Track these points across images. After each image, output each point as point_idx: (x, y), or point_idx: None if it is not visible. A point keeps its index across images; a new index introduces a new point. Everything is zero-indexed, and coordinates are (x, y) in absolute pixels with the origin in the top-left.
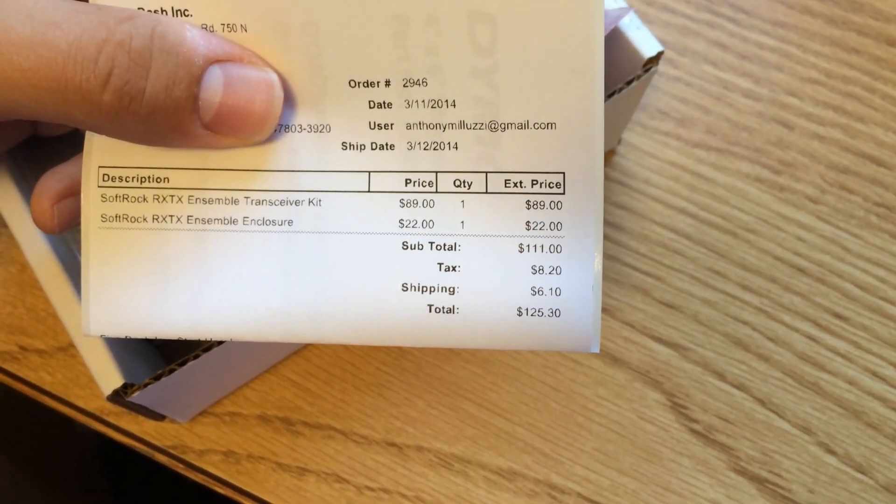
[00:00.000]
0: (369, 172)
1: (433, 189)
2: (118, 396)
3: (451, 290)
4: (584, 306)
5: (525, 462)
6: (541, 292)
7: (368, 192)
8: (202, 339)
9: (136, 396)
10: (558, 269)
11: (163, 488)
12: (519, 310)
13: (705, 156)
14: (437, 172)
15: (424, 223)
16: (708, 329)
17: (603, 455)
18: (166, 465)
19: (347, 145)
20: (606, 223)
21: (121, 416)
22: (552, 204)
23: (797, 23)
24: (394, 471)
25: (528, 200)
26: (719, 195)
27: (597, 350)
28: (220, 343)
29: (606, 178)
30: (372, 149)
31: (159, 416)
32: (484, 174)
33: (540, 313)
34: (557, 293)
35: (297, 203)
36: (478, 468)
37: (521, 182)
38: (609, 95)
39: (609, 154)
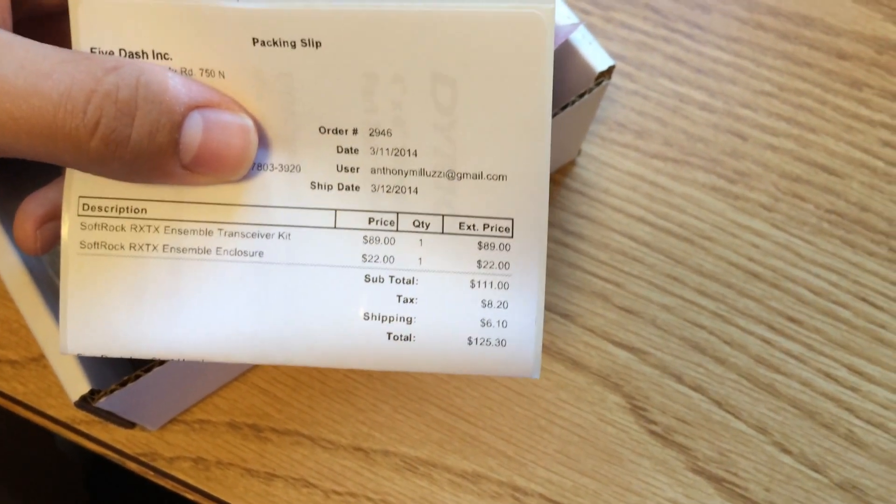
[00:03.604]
0: (336, 210)
1: (394, 228)
2: (85, 402)
3: (409, 319)
4: (528, 338)
5: (489, 465)
6: (489, 324)
7: (335, 228)
8: (175, 359)
9: (102, 402)
10: (505, 304)
11: (145, 501)
12: (469, 339)
13: (662, 166)
14: (398, 213)
15: (385, 258)
16: (666, 333)
17: (565, 457)
18: (137, 473)
19: (316, 185)
20: (567, 232)
21: (92, 425)
22: (501, 246)
23: (751, 38)
24: (361, 475)
25: (480, 241)
26: (676, 204)
27: (537, 377)
28: None
29: (567, 188)
30: (339, 189)
31: (129, 424)
32: (441, 216)
33: (488, 343)
34: (504, 325)
35: (267, 236)
36: (443, 471)
37: (473, 225)
38: (562, 108)
39: (569, 165)
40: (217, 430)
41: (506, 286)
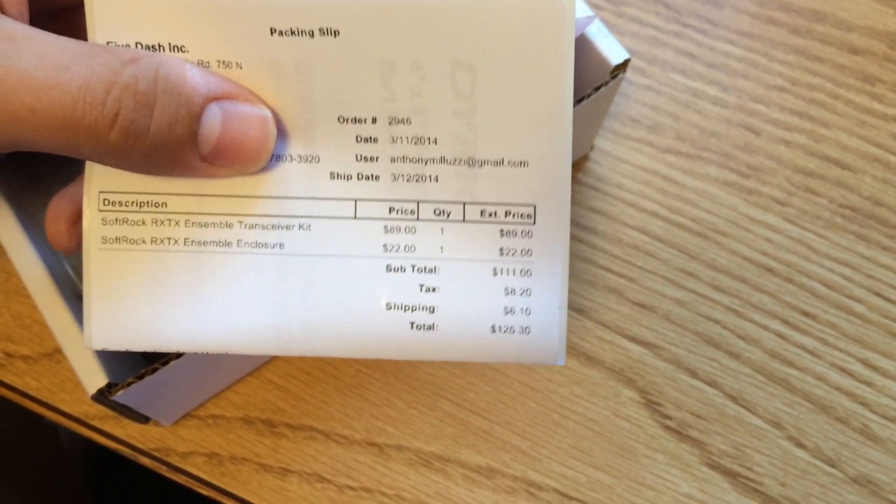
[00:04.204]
0: (355, 200)
1: (415, 217)
2: (102, 396)
3: (431, 308)
4: (552, 324)
5: (503, 460)
6: (512, 311)
7: (355, 218)
8: (198, 352)
9: (119, 395)
10: (528, 291)
11: (146, 499)
12: (493, 327)
13: (675, 161)
14: (418, 202)
15: (407, 248)
16: (680, 328)
17: (579, 452)
18: (150, 468)
19: (335, 175)
20: (581, 227)
21: (105, 420)
22: (523, 233)
23: (762, 33)
24: (375, 470)
25: (502, 229)
26: (689, 199)
27: (562, 363)
28: None
29: (580, 182)
30: (358, 179)
31: (144, 419)
32: (462, 204)
33: (511, 330)
34: (527, 312)
35: (287, 227)
36: (457, 466)
37: (495, 212)
38: (578, 101)
39: (582, 160)
40: (231, 425)
41: (528, 273)
